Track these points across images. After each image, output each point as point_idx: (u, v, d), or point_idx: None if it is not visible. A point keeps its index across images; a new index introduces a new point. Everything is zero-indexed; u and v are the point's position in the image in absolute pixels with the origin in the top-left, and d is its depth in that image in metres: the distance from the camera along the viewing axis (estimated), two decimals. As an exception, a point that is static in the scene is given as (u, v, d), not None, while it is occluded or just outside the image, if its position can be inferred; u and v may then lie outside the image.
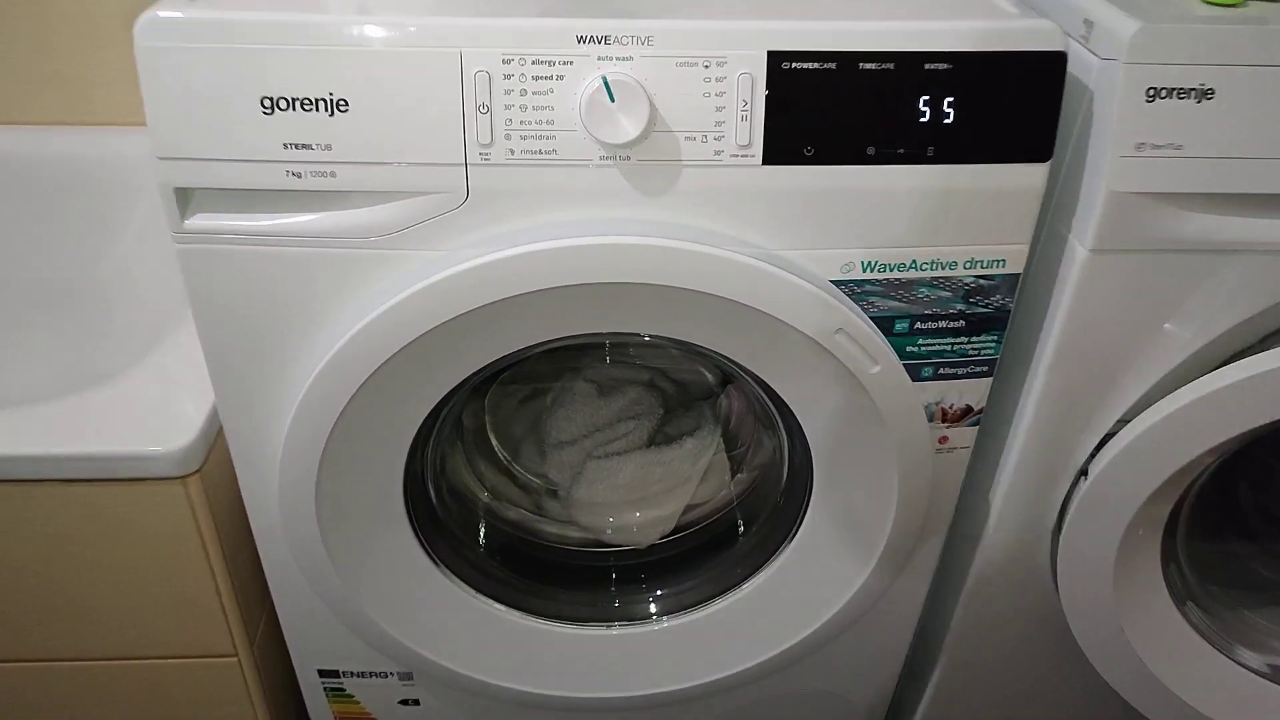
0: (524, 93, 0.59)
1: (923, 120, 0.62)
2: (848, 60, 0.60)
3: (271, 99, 0.58)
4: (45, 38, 1.01)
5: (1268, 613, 0.89)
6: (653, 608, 0.86)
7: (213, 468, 0.76)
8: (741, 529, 0.89)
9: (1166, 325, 0.71)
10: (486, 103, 0.59)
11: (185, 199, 0.62)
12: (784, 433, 0.81)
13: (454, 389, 0.69)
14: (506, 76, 0.58)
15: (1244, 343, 0.72)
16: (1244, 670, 0.85)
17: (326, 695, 0.89)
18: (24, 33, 1.01)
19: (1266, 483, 0.96)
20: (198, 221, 0.62)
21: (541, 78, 0.59)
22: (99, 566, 0.79)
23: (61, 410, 0.74)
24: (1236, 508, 0.96)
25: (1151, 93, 0.61)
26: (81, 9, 1.00)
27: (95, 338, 1.00)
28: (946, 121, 0.62)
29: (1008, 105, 0.62)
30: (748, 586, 0.83)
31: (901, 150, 0.62)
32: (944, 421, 0.75)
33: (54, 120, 1.05)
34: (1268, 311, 0.70)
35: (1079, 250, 0.68)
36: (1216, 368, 0.70)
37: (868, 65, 0.60)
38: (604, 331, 0.68)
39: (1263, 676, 0.85)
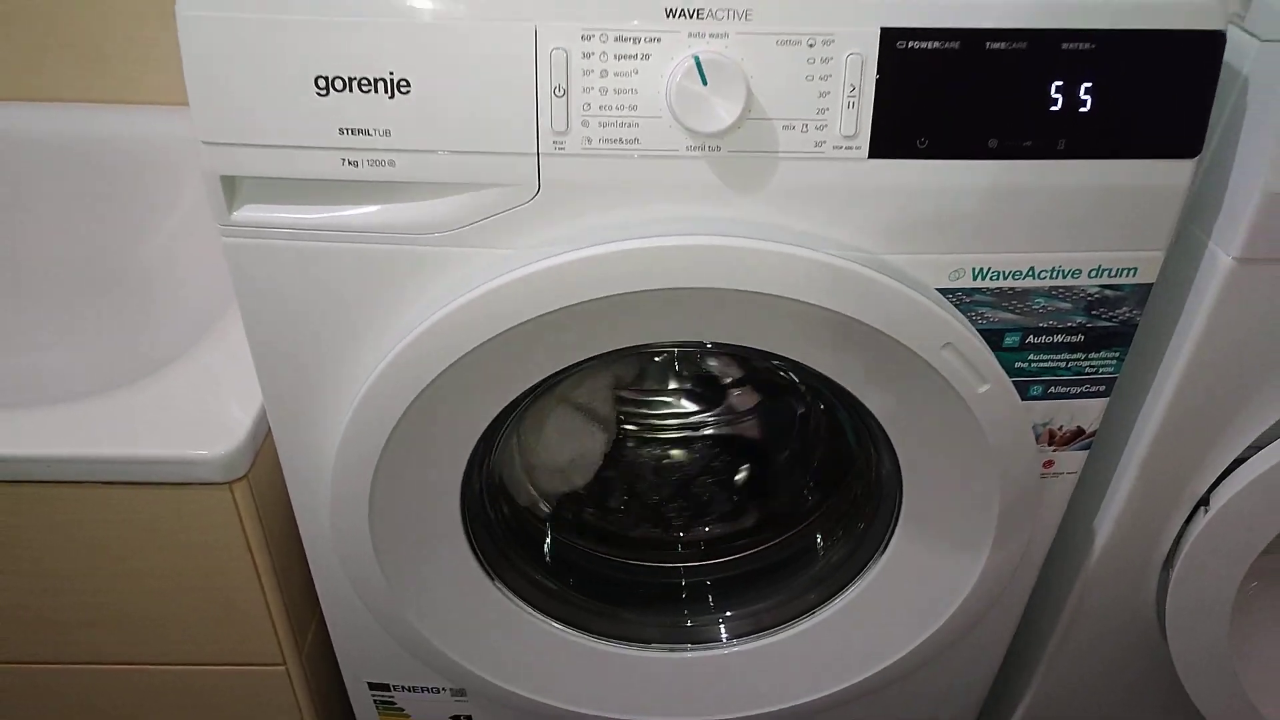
0: (605, 74, 0.53)
1: (1054, 109, 0.54)
2: (973, 39, 0.52)
3: (326, 78, 0.52)
4: (90, 13, 0.97)
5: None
6: (724, 630, 0.80)
7: (260, 472, 0.71)
8: (821, 548, 0.82)
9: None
10: (563, 85, 0.53)
11: (233, 188, 0.56)
12: (873, 449, 0.74)
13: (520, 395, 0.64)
14: (586, 55, 0.52)
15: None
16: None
17: (376, 708, 0.85)
18: (68, 8, 0.96)
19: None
20: (246, 213, 0.57)
21: (625, 56, 0.52)
22: (142, 571, 0.75)
23: (103, 409, 0.70)
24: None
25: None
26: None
27: (137, 328, 0.95)
28: (1082, 110, 0.54)
29: (1153, 92, 0.54)
30: (826, 610, 0.77)
31: (1028, 143, 0.55)
32: (1051, 444, 0.68)
33: (98, 98, 1.01)
34: None
35: (1221, 258, 0.60)
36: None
37: (995, 44, 0.53)
38: (678, 340, 0.62)
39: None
